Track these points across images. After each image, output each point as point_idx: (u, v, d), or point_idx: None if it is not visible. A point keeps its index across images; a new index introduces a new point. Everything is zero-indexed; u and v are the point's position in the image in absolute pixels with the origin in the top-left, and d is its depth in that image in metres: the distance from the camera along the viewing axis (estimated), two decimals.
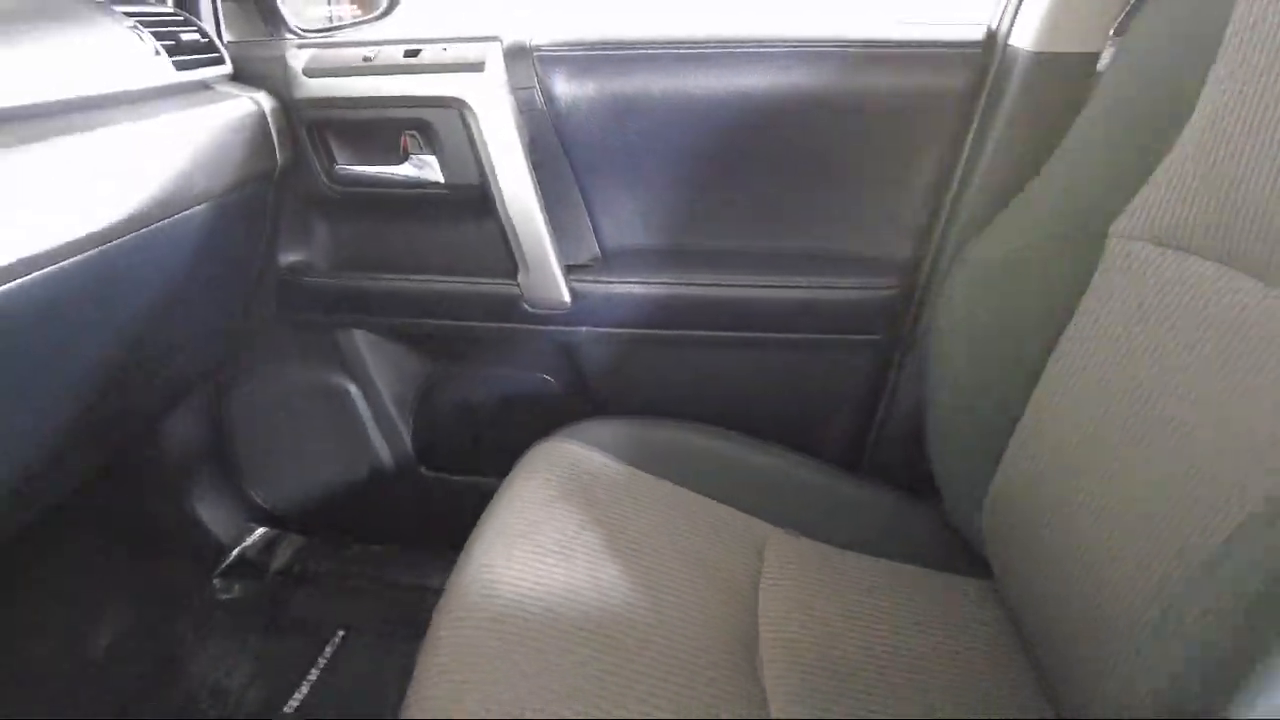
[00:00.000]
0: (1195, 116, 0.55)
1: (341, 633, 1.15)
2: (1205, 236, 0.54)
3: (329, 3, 1.27)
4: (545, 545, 0.72)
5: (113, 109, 0.78)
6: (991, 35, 0.89)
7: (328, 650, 1.13)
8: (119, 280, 0.77)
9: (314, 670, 1.11)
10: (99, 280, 0.74)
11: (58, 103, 0.72)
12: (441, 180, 0.98)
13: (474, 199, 0.99)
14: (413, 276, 1.06)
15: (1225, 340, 0.50)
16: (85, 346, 0.78)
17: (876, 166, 0.95)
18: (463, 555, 0.73)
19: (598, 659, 0.62)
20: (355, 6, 1.27)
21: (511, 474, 0.83)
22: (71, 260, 0.69)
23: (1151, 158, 0.58)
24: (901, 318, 0.97)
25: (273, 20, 1.05)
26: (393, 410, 1.17)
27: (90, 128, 0.72)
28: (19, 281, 0.63)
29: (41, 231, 0.65)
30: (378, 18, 1.19)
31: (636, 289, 1.00)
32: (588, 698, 0.59)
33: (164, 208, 0.79)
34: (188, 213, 0.83)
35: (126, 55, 0.82)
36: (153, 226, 0.78)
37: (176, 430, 1.19)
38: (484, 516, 0.77)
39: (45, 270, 0.66)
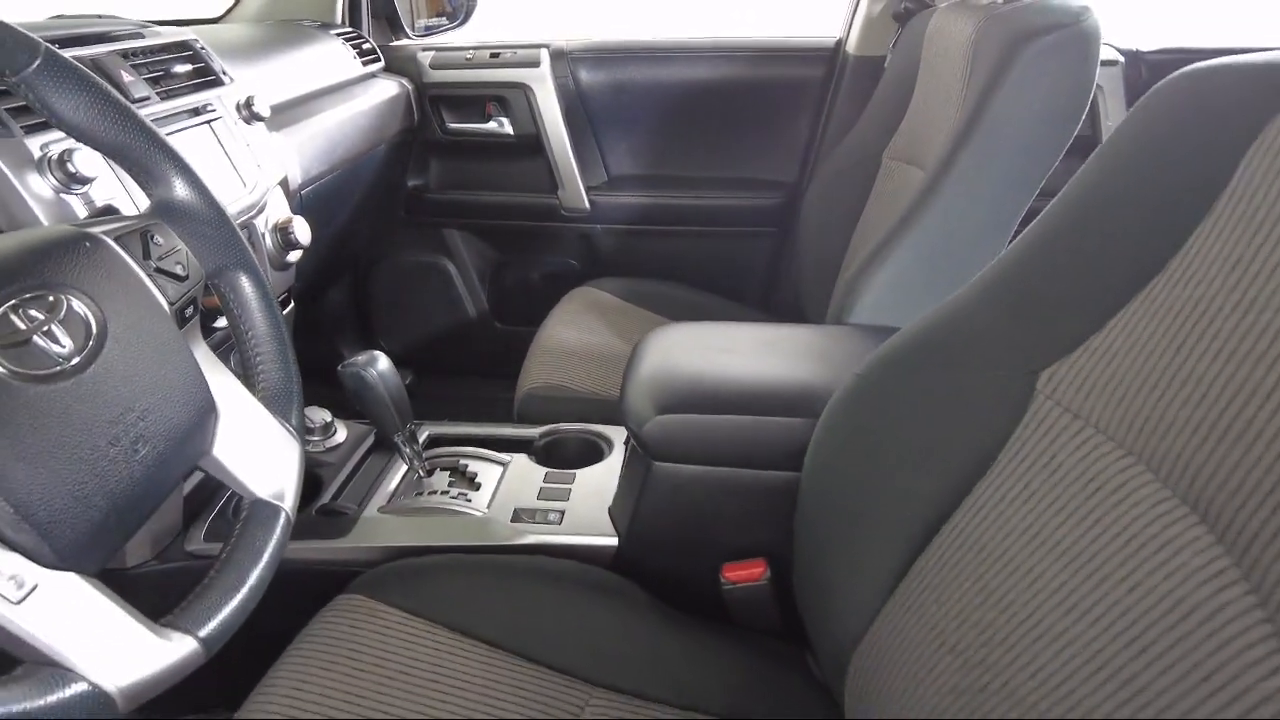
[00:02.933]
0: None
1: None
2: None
3: (411, 9, 1.85)
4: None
5: (335, 93, 1.40)
6: (839, 43, 1.50)
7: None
8: (339, 192, 1.40)
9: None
10: (332, 191, 1.37)
11: (307, 94, 1.33)
12: (511, 132, 1.61)
13: (530, 144, 1.61)
14: (489, 193, 1.69)
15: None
16: (327, 228, 1.41)
17: (771, 124, 1.57)
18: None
19: None
20: (431, 12, 1.87)
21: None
22: (320, 181, 1.31)
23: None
24: (786, 217, 1.60)
25: (399, 27, 1.68)
26: (476, 282, 1.81)
27: (323, 108, 1.34)
28: (299, 195, 1.26)
29: (308, 167, 1.27)
30: (459, 25, 1.80)
31: (630, 199, 1.63)
32: None
33: (361, 149, 1.42)
34: (371, 153, 1.46)
35: (337, 60, 1.44)
36: (355, 160, 1.41)
37: (330, 296, 1.83)
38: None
39: (311, 187, 1.28)
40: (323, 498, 0.95)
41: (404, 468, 1.00)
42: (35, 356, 0.44)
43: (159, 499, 0.52)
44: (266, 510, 0.58)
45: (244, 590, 0.53)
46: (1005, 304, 0.57)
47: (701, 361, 0.88)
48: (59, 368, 0.45)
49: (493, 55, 1.58)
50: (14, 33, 0.52)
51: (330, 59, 1.41)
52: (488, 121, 1.62)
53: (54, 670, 0.41)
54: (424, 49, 1.63)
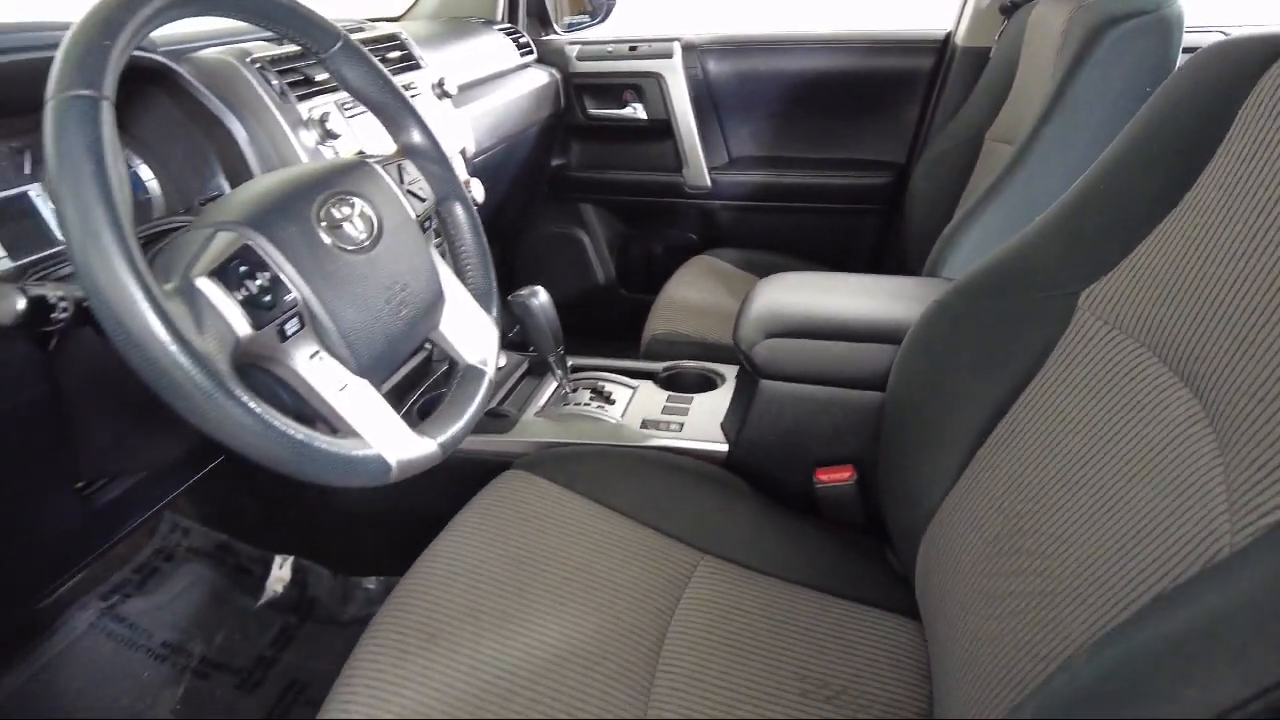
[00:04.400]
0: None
1: None
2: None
3: (557, 7, 2.07)
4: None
5: (499, 79, 1.63)
6: (949, 35, 1.62)
7: None
8: (499, 166, 1.63)
9: None
10: (495, 164, 1.60)
11: (479, 79, 1.57)
12: (644, 117, 1.81)
13: (660, 128, 1.81)
14: (622, 172, 1.90)
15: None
16: (488, 198, 1.64)
17: (881, 110, 1.70)
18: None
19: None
20: (574, 10, 2.08)
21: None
22: (487, 154, 1.54)
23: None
24: (893, 195, 1.72)
25: (548, 23, 1.90)
26: (606, 253, 2.02)
27: (491, 91, 1.57)
28: (471, 164, 1.49)
29: (480, 140, 1.50)
30: (600, 21, 2.01)
31: (748, 177, 1.80)
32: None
33: (518, 129, 1.65)
34: (525, 133, 1.69)
35: (500, 51, 1.67)
36: (513, 139, 1.64)
37: None
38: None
39: (480, 158, 1.52)
40: (490, 404, 1.17)
41: (554, 385, 1.20)
42: (346, 236, 0.66)
43: (407, 353, 0.74)
44: (475, 372, 0.79)
45: (464, 420, 0.73)
46: (1053, 239, 0.72)
47: (805, 297, 1.05)
48: (359, 246, 0.67)
49: (631, 48, 1.78)
50: (324, 22, 0.74)
51: (495, 50, 1.64)
52: (624, 107, 1.82)
53: (360, 440, 0.62)
54: (570, 42, 1.85)
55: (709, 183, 1.82)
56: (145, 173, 0.89)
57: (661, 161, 1.86)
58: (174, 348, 0.49)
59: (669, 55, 1.74)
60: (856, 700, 0.70)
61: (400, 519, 1.16)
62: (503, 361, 1.27)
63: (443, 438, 0.70)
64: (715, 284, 1.55)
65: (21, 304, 0.54)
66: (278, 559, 1.28)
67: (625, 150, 1.89)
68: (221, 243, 0.58)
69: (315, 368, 0.61)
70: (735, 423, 1.07)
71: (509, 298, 1.12)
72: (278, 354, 0.59)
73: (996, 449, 0.68)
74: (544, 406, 1.17)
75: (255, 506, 1.30)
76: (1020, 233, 0.77)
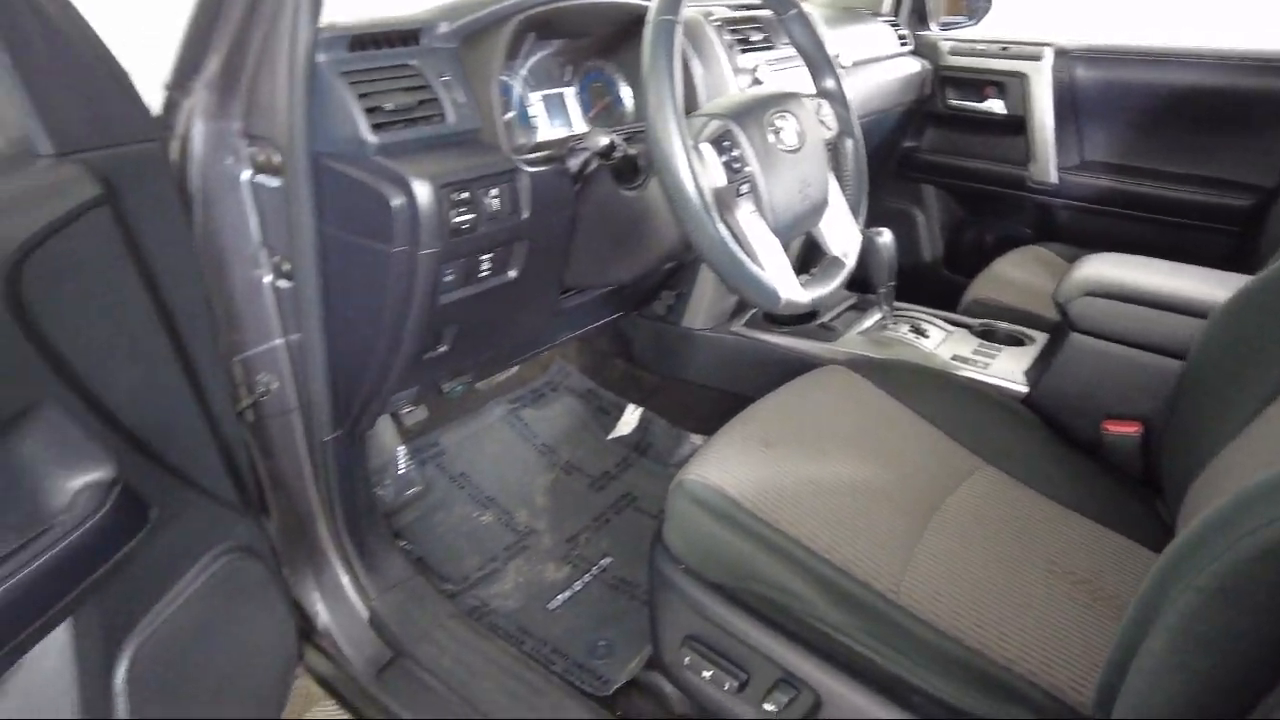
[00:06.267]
0: None
1: None
2: None
3: (936, 7, 2.23)
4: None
5: (878, 62, 1.85)
6: None
7: None
8: (864, 135, 1.87)
9: None
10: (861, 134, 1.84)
11: (864, 59, 1.80)
12: (1003, 112, 1.94)
13: (1014, 124, 1.93)
14: (969, 160, 2.04)
15: None
16: None
17: (1251, 130, 1.68)
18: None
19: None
20: (951, 10, 2.23)
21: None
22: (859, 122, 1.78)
23: None
24: (1251, 219, 1.69)
25: (925, 20, 2.09)
26: (938, 233, 2.18)
27: (870, 70, 1.79)
28: None
29: (857, 108, 1.74)
30: (975, 23, 2.15)
31: (1096, 181, 1.86)
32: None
33: (884, 107, 1.86)
34: (889, 112, 1.90)
35: (883, 38, 1.90)
36: (879, 114, 1.86)
37: None
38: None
39: None
40: (821, 319, 1.43)
41: (877, 316, 1.43)
42: (783, 139, 0.94)
43: (801, 232, 1.01)
44: (837, 261, 1.04)
45: (826, 289, 0.99)
46: None
47: (1127, 269, 1.17)
48: (790, 148, 0.95)
49: (1002, 48, 1.92)
50: None
51: (877, 37, 1.88)
52: (983, 101, 1.97)
53: (766, 273, 0.90)
54: (944, 39, 2.02)
55: (1055, 180, 1.91)
56: (625, 92, 1.26)
57: (1009, 154, 1.98)
58: (692, 182, 0.81)
59: (1038, 58, 1.86)
60: (1099, 590, 0.80)
61: (730, 391, 1.46)
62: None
63: (812, 295, 0.97)
64: (1040, 269, 1.66)
65: (605, 140, 0.89)
66: (630, 407, 1.66)
67: (975, 140, 2.04)
68: (714, 125, 0.89)
69: (750, 220, 0.91)
70: (1038, 371, 1.22)
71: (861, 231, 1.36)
72: (731, 204, 0.89)
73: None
74: (865, 330, 1.40)
75: (621, 367, 1.68)
76: None
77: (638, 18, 0.86)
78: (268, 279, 0.99)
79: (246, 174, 0.93)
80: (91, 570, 0.68)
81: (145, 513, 0.73)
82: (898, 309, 1.46)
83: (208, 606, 0.84)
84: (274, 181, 0.91)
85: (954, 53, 1.99)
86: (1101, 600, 0.80)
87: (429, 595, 1.19)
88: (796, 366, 1.27)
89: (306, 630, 1.15)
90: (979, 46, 1.98)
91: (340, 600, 1.16)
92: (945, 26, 2.13)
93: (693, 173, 0.81)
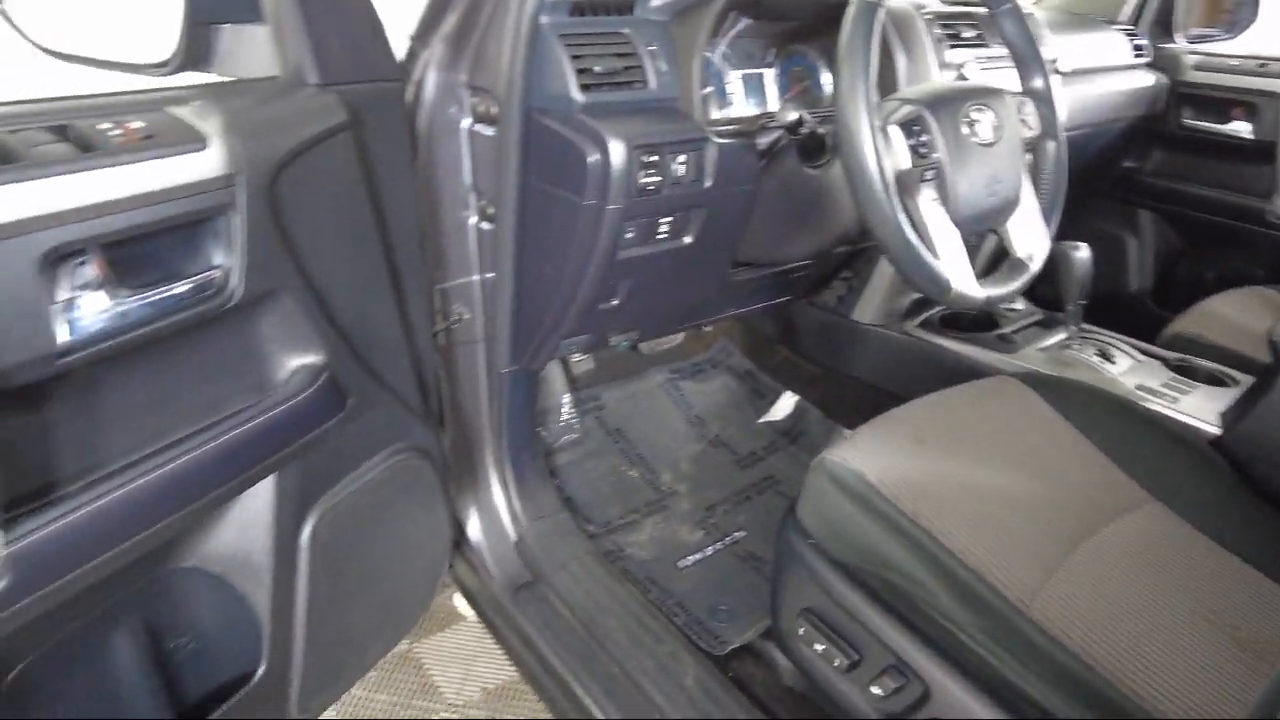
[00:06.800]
0: None
1: None
2: None
3: (1185, 19, 2.03)
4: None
5: (1103, 73, 1.73)
6: None
7: None
8: (1077, 148, 1.76)
9: None
10: (1074, 146, 1.73)
11: (1087, 68, 1.70)
12: (1250, 137, 1.76)
13: (1262, 150, 1.74)
14: (1199, 186, 1.87)
15: None
16: None
17: None
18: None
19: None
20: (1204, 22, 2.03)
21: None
22: (1068, 134, 1.68)
23: None
24: None
25: (1169, 31, 1.92)
26: (1149, 264, 2.02)
27: (1091, 79, 1.68)
28: None
29: (1068, 118, 1.64)
30: (1232, 37, 1.96)
31: None
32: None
33: (1102, 120, 1.74)
34: (1109, 127, 1.77)
35: (1114, 47, 1.77)
36: (1093, 127, 1.74)
37: None
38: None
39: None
40: (1000, 329, 1.39)
41: (1062, 334, 1.36)
42: (977, 132, 0.93)
43: (984, 229, 0.99)
44: (1021, 264, 1.01)
45: (1005, 290, 0.97)
46: None
47: None
48: (983, 142, 0.93)
49: (1260, 65, 1.74)
50: None
51: (1108, 46, 1.76)
52: (1227, 123, 1.79)
53: (940, 263, 0.90)
54: (1190, 52, 1.86)
55: None
56: (826, 78, 1.27)
57: (1249, 185, 1.79)
58: (873, 160, 0.82)
59: None
60: (1252, 642, 0.73)
61: (891, 392, 1.44)
62: (1020, 306, 1.46)
63: (987, 293, 0.95)
64: (1263, 311, 1.50)
65: (794, 116, 0.92)
66: (786, 394, 1.67)
67: (1211, 166, 1.86)
68: (906, 110, 0.90)
69: (930, 207, 0.90)
70: (1236, 414, 1.12)
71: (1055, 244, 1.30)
72: (913, 188, 0.90)
73: None
74: (1045, 347, 1.34)
75: (783, 353, 1.70)
76: None
77: (843, 3, 0.88)
78: (472, 220, 1.10)
79: (466, 122, 1.04)
80: (296, 438, 0.81)
81: (344, 400, 0.85)
82: (1086, 331, 1.38)
83: (382, 494, 0.96)
84: (489, 130, 1.01)
85: (1199, 68, 1.83)
86: (1251, 651, 0.74)
87: (572, 531, 1.28)
88: (966, 375, 1.23)
89: (458, 541, 1.26)
90: (1231, 62, 1.80)
91: (493, 520, 1.27)
92: (1195, 39, 1.95)
93: (875, 152, 0.82)
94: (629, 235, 0.97)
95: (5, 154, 0.56)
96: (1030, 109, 1.03)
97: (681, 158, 0.95)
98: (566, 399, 1.52)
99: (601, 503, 1.44)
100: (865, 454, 0.94)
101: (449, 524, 1.11)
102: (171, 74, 0.84)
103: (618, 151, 0.90)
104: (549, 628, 1.15)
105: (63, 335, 0.60)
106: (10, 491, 0.61)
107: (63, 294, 0.60)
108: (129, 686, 0.81)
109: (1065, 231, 2.07)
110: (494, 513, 1.27)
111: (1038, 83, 1.05)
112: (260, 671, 0.86)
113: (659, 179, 0.93)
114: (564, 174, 0.94)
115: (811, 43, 1.25)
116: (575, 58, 0.93)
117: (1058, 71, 1.45)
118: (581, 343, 1.19)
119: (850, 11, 0.85)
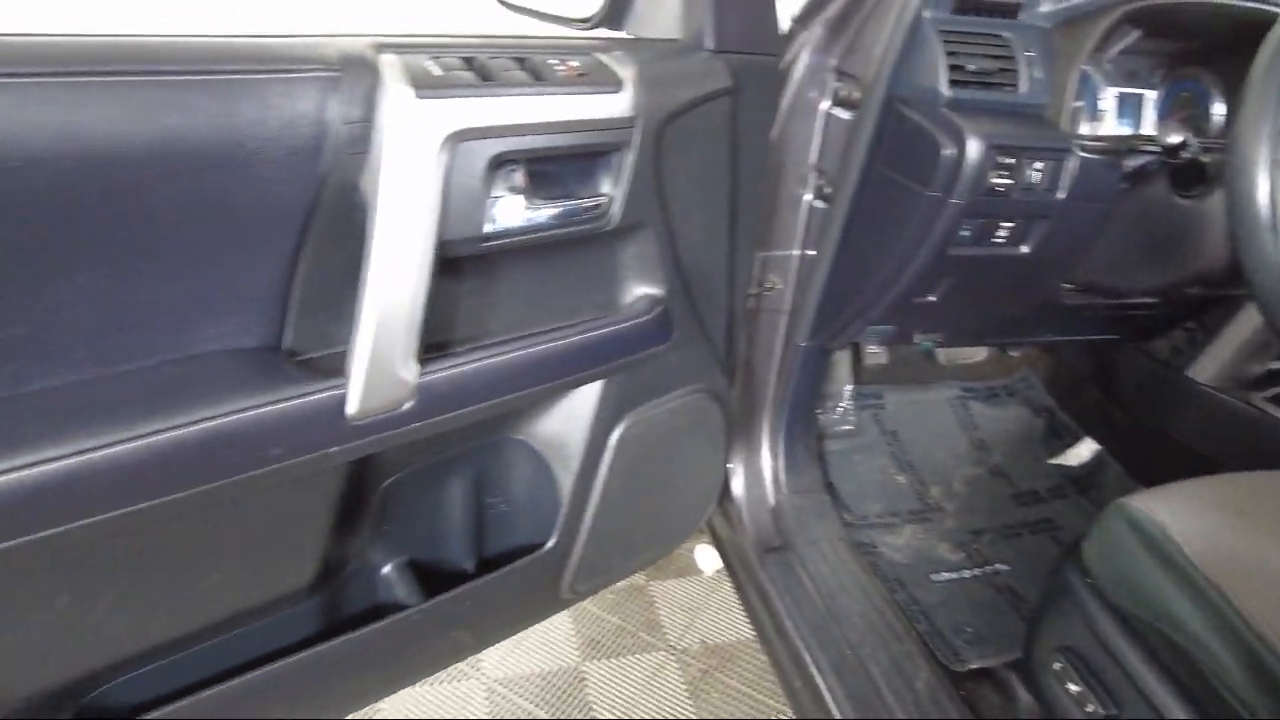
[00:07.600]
0: None
1: None
2: None
3: None
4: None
5: None
6: None
7: None
8: None
9: None
10: None
11: None
12: None
13: None
14: None
15: None
16: None
17: None
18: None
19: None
20: None
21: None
22: None
23: None
24: None
25: None
26: None
27: None
28: None
29: None
30: None
31: None
32: None
33: None
34: None
35: None
36: None
37: None
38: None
39: None
40: None
41: None
42: None
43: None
44: None
45: None
46: None
47: None
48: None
49: None
50: None
51: None
52: None
53: None
54: None
55: None
56: (1218, 108, 1.16)
57: None
58: (1266, 195, 0.76)
59: None
60: None
61: (1216, 462, 1.30)
62: None
63: None
64: None
65: (1177, 138, 0.87)
66: (1087, 440, 1.56)
67: None
68: None
69: None
70: None
71: None
72: None
73: None
74: None
75: (1093, 396, 1.58)
76: None
77: (1261, 23, 0.81)
78: (807, 197, 1.16)
79: (825, 105, 1.10)
80: (626, 354, 0.93)
81: (670, 332, 0.96)
82: None
83: (679, 422, 1.06)
84: (845, 114, 1.07)
85: None
86: None
87: (829, 513, 1.32)
88: None
89: (721, 495, 1.35)
90: None
91: (758, 483, 1.34)
92: None
93: (1270, 186, 0.76)
94: (964, 233, 0.97)
95: (485, 74, 0.72)
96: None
97: (1038, 165, 0.94)
98: (848, 390, 1.54)
99: (863, 497, 1.45)
100: (1172, 510, 0.88)
101: (724, 467, 1.19)
102: (591, 29, 0.99)
103: (974, 149, 0.91)
104: (790, 593, 1.20)
105: (489, 226, 0.76)
106: (427, 339, 0.78)
107: (495, 192, 0.76)
108: (451, 523, 1.00)
109: None
110: (759, 475, 1.33)
111: None
112: (549, 544, 1.00)
113: (1011, 182, 0.93)
114: (913, 163, 0.97)
115: (1208, 66, 1.14)
116: (950, 54, 0.95)
117: None
118: (885, 333, 1.22)
119: (1275, 34, 0.78)
